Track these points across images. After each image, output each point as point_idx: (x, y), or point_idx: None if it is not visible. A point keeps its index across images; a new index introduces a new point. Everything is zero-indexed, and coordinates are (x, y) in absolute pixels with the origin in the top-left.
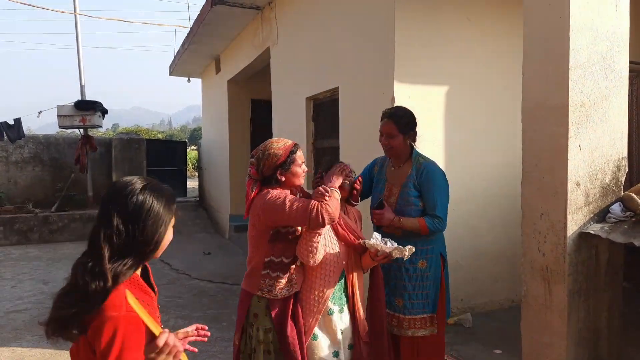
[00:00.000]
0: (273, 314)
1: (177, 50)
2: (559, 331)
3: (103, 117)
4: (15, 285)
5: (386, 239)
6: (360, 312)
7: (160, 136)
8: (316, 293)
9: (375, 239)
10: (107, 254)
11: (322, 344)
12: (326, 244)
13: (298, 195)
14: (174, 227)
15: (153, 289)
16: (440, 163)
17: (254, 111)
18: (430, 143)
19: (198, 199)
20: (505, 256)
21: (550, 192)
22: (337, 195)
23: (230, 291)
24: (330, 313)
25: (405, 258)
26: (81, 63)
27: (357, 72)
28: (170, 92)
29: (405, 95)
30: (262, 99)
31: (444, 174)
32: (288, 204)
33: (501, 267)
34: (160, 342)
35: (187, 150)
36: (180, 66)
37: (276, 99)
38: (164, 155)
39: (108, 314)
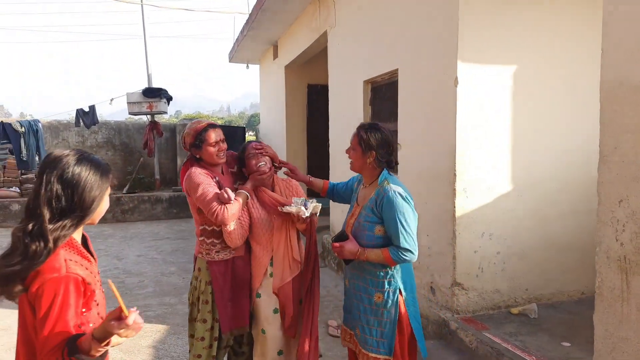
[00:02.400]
0: (210, 271)
1: (236, 37)
2: (637, 325)
3: (168, 104)
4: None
5: (306, 202)
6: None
7: (219, 122)
8: (257, 259)
9: (295, 204)
10: (47, 216)
11: (264, 302)
12: (258, 215)
13: (221, 171)
14: None
15: (92, 256)
16: (506, 148)
17: (310, 96)
18: (495, 126)
19: None
20: (575, 245)
21: (630, 177)
22: (241, 198)
23: None
24: (271, 275)
25: (310, 212)
26: (147, 52)
27: (418, 52)
28: (229, 79)
29: (469, 76)
30: (318, 84)
31: (407, 199)
32: (200, 192)
33: (570, 256)
34: (130, 320)
35: (246, 135)
36: (239, 53)
37: (333, 83)
38: (225, 140)
39: (48, 276)
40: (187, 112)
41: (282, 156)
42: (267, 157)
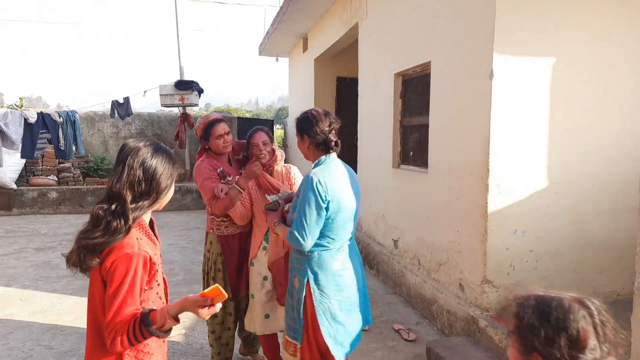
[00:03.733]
0: (220, 243)
1: (266, 30)
2: None
3: (199, 96)
4: None
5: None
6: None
7: (247, 115)
8: (254, 235)
9: (279, 196)
10: (129, 198)
11: (256, 270)
12: (255, 196)
13: (228, 159)
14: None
15: (157, 239)
16: (542, 144)
17: (339, 89)
18: (531, 121)
19: None
20: (612, 245)
21: None
22: (233, 193)
23: None
24: (264, 249)
25: (276, 199)
26: (180, 45)
27: (452, 44)
28: (258, 72)
29: (505, 69)
30: (347, 77)
31: (312, 185)
32: (199, 184)
33: (607, 256)
34: (219, 307)
35: (274, 128)
36: (269, 46)
37: (363, 76)
38: None
39: (122, 251)
40: (216, 104)
41: None
42: (269, 149)
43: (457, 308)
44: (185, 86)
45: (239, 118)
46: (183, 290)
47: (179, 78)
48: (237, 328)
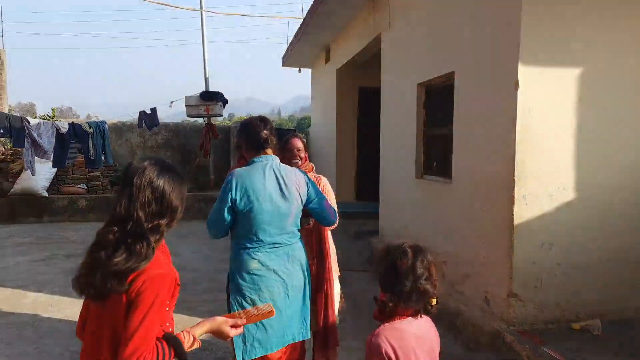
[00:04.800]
0: None
1: (289, 41)
2: None
3: (224, 107)
4: None
5: None
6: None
7: None
8: None
9: None
10: (143, 218)
11: None
12: None
13: None
14: None
15: None
16: (570, 154)
17: (361, 99)
18: (558, 132)
19: None
20: None
21: None
22: None
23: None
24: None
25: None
26: (206, 56)
27: (476, 54)
28: (280, 83)
29: (531, 79)
30: (370, 87)
31: (225, 181)
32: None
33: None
34: (239, 330)
35: None
36: (292, 57)
37: (385, 86)
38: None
39: (153, 272)
40: (239, 114)
41: (331, 159)
42: (302, 155)
43: (482, 322)
44: (210, 97)
45: None
46: (207, 298)
47: (204, 89)
48: None
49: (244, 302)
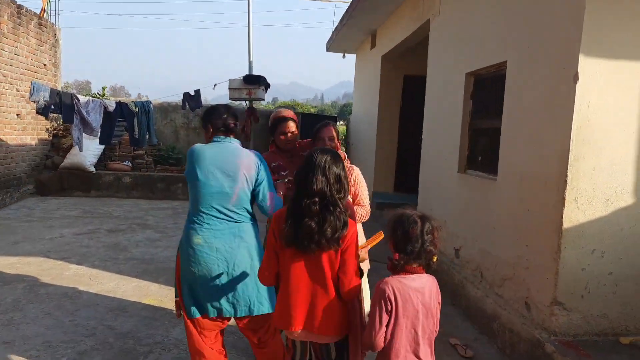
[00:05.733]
0: None
1: (335, 26)
2: None
3: (266, 91)
4: None
5: None
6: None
7: (312, 110)
8: None
9: None
10: (335, 194)
11: None
12: None
13: (290, 155)
14: None
15: None
16: (630, 155)
17: (405, 87)
18: (618, 130)
19: None
20: None
21: None
22: (279, 189)
23: (372, 268)
24: None
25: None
26: (251, 40)
27: (532, 43)
28: (324, 69)
29: (592, 71)
30: (415, 75)
31: (189, 153)
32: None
33: None
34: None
35: (337, 125)
36: (337, 42)
37: (432, 75)
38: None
39: (352, 229)
40: (283, 99)
41: (371, 148)
42: (334, 144)
43: (521, 328)
44: (253, 81)
45: (302, 114)
46: None
47: (247, 73)
48: None
49: (185, 272)
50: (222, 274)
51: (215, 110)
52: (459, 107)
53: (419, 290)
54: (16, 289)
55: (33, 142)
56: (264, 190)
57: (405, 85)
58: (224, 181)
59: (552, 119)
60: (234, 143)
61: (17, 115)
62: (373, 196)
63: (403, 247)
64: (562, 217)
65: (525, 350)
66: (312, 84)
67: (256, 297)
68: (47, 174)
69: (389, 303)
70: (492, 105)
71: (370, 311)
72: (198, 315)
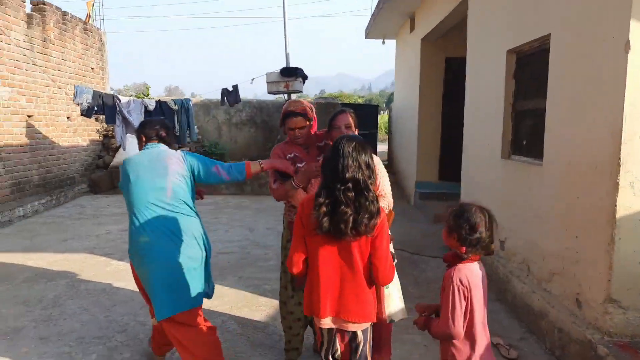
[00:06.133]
0: (290, 230)
1: (372, 12)
2: None
3: (303, 83)
4: (228, 230)
5: None
6: None
7: (360, 100)
8: None
9: None
10: (367, 180)
11: None
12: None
13: (305, 146)
14: None
15: None
16: None
17: (448, 71)
18: None
19: (387, 162)
20: None
21: None
22: (288, 187)
23: (410, 260)
24: None
25: None
26: (286, 32)
27: (577, 13)
28: (371, 58)
29: None
30: (458, 57)
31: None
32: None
33: None
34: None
35: (381, 114)
36: (375, 27)
37: (471, 55)
38: (356, 118)
39: (384, 213)
40: (330, 91)
41: (413, 136)
42: (351, 132)
43: (572, 328)
44: (290, 73)
45: (342, 104)
46: (272, 276)
47: (285, 65)
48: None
49: (135, 265)
50: (165, 269)
51: (148, 123)
52: (501, 88)
53: (479, 276)
54: (58, 285)
55: (84, 143)
56: (200, 167)
57: (447, 67)
58: (156, 178)
59: (602, 94)
60: (161, 147)
61: (68, 117)
62: (416, 186)
63: (470, 240)
64: (615, 205)
65: (576, 352)
66: (359, 74)
67: (193, 290)
68: (98, 173)
69: (466, 290)
70: (536, 85)
71: (445, 301)
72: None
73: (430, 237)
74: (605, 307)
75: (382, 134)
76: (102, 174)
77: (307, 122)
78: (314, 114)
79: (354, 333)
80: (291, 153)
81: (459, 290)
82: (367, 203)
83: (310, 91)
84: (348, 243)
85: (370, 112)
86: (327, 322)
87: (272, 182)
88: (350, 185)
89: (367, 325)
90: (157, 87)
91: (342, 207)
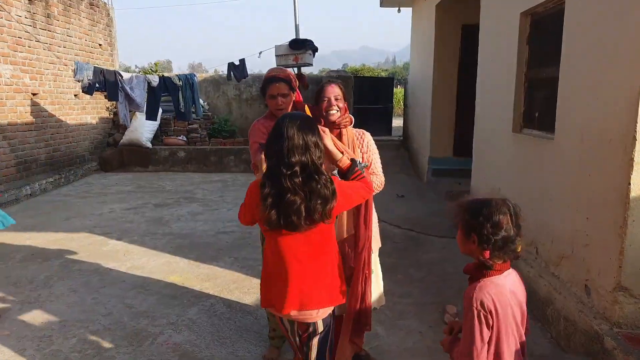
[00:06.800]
0: None
1: None
2: None
3: (313, 55)
4: (231, 209)
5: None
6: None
7: (383, 74)
8: None
9: None
10: (317, 161)
11: None
12: None
13: None
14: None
15: None
16: None
17: (464, 39)
18: None
19: (402, 138)
20: None
21: None
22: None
23: (415, 240)
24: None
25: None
26: (296, 2)
27: None
28: (396, 30)
29: None
30: (475, 24)
31: None
32: (250, 142)
33: None
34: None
35: (397, 87)
36: None
37: (484, 19)
38: (370, 92)
39: (340, 197)
40: (353, 64)
41: (427, 109)
42: (341, 105)
43: (578, 317)
44: (299, 45)
45: (356, 77)
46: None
47: (294, 37)
48: None
49: None
50: None
51: None
52: (513, 55)
53: (513, 291)
54: (52, 266)
55: (94, 121)
56: None
57: (464, 36)
58: None
59: (619, 62)
60: None
61: (75, 95)
62: (429, 162)
63: (494, 241)
64: (629, 184)
65: (582, 343)
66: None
67: None
68: (108, 151)
69: (489, 317)
70: (551, 51)
71: (465, 329)
72: None
73: (439, 215)
74: (614, 296)
75: (400, 107)
76: (112, 152)
77: (290, 92)
78: (297, 86)
79: (314, 324)
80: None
81: (479, 317)
82: (319, 187)
83: (332, 65)
84: (306, 231)
85: (385, 85)
86: (288, 316)
87: (257, 161)
88: (297, 169)
89: (329, 311)
90: (181, 63)
91: (290, 195)
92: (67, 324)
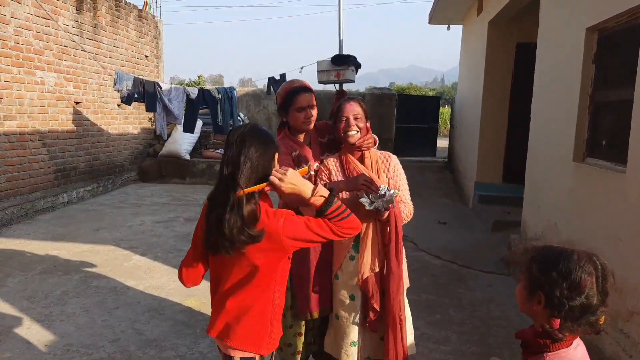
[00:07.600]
0: None
1: None
2: None
3: (356, 72)
4: None
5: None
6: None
7: (431, 93)
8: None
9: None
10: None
11: (341, 285)
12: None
13: (308, 141)
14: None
15: None
16: None
17: (519, 57)
18: None
19: (446, 160)
20: None
21: None
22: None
23: (457, 274)
24: (351, 258)
25: (375, 206)
26: (341, 17)
27: None
28: (445, 49)
29: None
30: (530, 43)
31: None
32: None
33: None
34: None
35: (444, 107)
36: (439, 11)
37: (543, 36)
38: (415, 111)
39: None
40: (399, 83)
41: (475, 132)
42: (361, 125)
43: None
44: (342, 61)
45: (399, 95)
46: None
47: (338, 53)
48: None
49: None
50: None
51: None
52: (577, 75)
53: None
54: (71, 280)
55: (135, 131)
56: None
57: (518, 55)
58: None
59: None
60: None
61: (118, 105)
62: (475, 187)
63: (569, 307)
64: None
65: None
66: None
67: None
68: (148, 162)
69: None
70: (622, 71)
71: None
72: None
73: (486, 248)
74: None
75: (446, 127)
76: (152, 163)
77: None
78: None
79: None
80: (295, 151)
81: None
82: (230, 207)
83: (380, 83)
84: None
85: (431, 104)
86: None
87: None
88: (223, 185)
89: (252, 356)
90: (232, 78)
91: (213, 213)
92: (72, 348)
